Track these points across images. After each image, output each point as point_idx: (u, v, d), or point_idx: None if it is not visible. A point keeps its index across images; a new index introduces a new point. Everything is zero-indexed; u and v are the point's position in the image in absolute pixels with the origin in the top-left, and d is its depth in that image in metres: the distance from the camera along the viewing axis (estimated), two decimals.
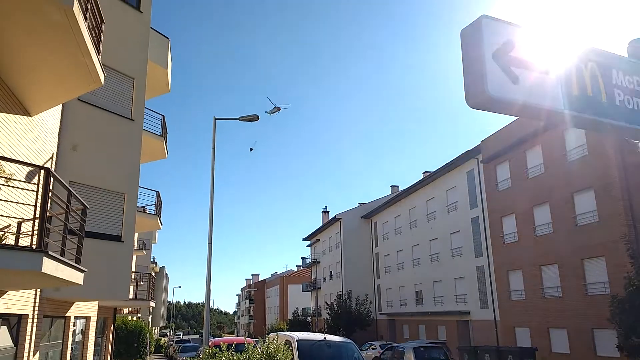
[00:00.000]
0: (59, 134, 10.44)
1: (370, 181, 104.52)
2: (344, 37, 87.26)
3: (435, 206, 36.78)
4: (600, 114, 2.10)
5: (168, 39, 16.51)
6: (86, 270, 7.24)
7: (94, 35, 7.10)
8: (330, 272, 53.97)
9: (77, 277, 6.81)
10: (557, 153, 24.67)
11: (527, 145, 26.85)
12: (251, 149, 46.13)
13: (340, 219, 50.46)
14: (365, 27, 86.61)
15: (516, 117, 26.89)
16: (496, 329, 28.82)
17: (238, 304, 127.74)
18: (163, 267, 62.17)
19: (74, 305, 11.48)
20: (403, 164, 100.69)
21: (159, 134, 17.00)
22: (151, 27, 13.92)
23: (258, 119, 16.49)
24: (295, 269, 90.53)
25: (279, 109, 41.64)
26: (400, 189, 46.99)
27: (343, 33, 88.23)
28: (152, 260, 47.49)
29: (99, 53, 7.31)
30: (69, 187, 6.81)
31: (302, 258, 63.13)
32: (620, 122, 2.14)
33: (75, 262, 7.04)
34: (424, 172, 43.70)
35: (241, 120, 16.27)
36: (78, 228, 7.72)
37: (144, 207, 21.04)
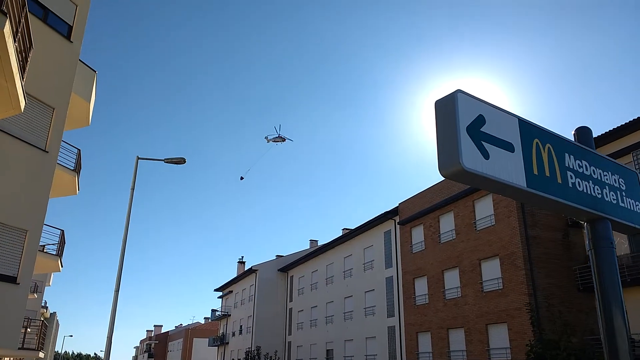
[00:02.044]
0: None
1: (290, 234, 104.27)
2: (263, 90, 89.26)
3: (352, 263, 37.19)
4: (557, 195, 2.21)
5: (95, 71, 15.85)
6: None
7: (20, 59, 6.61)
8: (241, 326, 51.94)
9: None
10: (467, 221, 26.19)
11: (441, 211, 28.30)
12: (242, 178, 42.95)
13: (256, 270, 49.34)
14: (286, 85, 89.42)
15: (434, 184, 28.14)
16: None
17: (135, 358, 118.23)
18: (54, 313, 56.51)
19: None
20: (323, 218, 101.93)
21: (72, 168, 15.93)
22: (79, 59, 13.31)
23: (184, 162, 16.00)
24: (203, 321, 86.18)
25: (283, 139, 39.43)
26: (320, 243, 47.16)
27: (262, 88, 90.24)
28: (42, 304, 43.04)
29: (23, 78, 6.80)
30: None
31: (212, 310, 60.36)
32: (573, 203, 2.27)
33: None
34: (343, 229, 44.36)
35: (166, 162, 15.69)
36: None
37: (43, 246, 19.28)
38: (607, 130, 20.75)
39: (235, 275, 56.27)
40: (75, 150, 16.24)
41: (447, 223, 27.87)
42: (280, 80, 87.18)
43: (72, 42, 12.62)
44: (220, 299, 62.06)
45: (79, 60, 13.42)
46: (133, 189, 15.89)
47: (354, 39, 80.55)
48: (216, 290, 61.67)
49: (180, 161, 15.99)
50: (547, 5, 70.79)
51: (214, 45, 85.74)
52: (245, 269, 52.65)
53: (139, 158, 16.20)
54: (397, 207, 32.48)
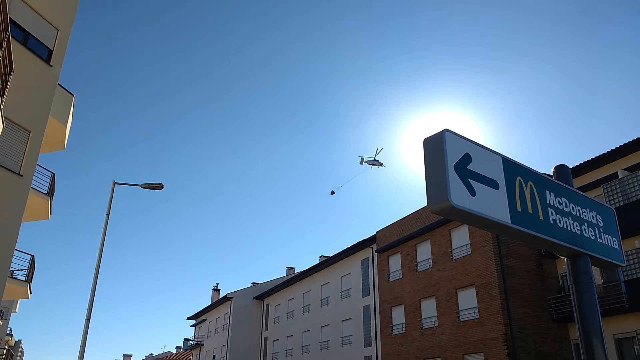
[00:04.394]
0: None
1: (267, 261, 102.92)
2: (242, 114, 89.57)
3: (329, 292, 36.90)
4: (539, 231, 2.30)
5: (73, 95, 15.71)
6: None
7: (0, 83, 6.55)
8: (214, 356, 50.59)
9: None
10: (444, 250, 26.40)
11: (418, 240, 28.49)
12: (332, 192, 41.13)
13: (231, 298, 48.44)
14: (264, 110, 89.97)
15: (412, 213, 28.38)
16: None
17: None
18: (19, 340, 54.20)
19: None
20: (301, 246, 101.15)
21: (46, 192, 15.60)
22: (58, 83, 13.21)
23: (162, 187, 15.83)
24: (174, 350, 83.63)
25: (380, 164, 38.31)
26: (297, 271, 46.75)
27: (244, 112, 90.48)
28: (8, 332, 41.28)
29: (2, 101, 6.72)
30: None
31: (185, 339, 58.74)
32: (554, 239, 2.35)
33: None
34: (320, 256, 44.15)
35: (143, 188, 15.50)
36: None
37: (12, 271, 18.65)
38: (578, 164, 21.42)
39: (210, 303, 55.11)
40: (50, 174, 15.93)
41: (424, 252, 28.03)
42: (259, 105, 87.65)
43: (51, 65, 12.54)
44: (193, 328, 60.54)
45: (57, 84, 13.31)
46: (108, 214, 15.60)
47: (335, 65, 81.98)
48: (189, 318, 60.20)
49: (158, 186, 15.81)
50: (515, 43, 73.63)
51: (192, 69, 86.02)
52: (220, 297, 51.66)
53: (115, 183, 15.97)
54: (374, 235, 32.56)
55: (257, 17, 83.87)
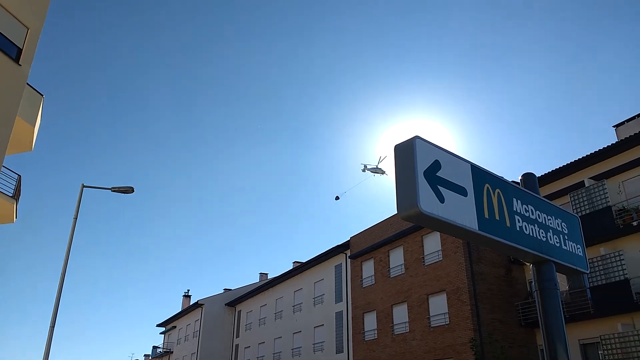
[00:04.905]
0: None
1: (240, 266, 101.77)
2: (213, 118, 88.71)
3: (302, 298, 36.77)
4: (505, 237, 2.34)
5: (42, 95, 15.32)
6: None
7: None
8: None
9: None
10: (416, 256, 26.66)
11: (391, 246, 28.69)
12: (337, 198, 40.30)
13: (202, 305, 47.75)
14: (235, 117, 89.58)
15: (385, 219, 28.58)
16: None
17: None
18: None
19: None
20: (275, 251, 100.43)
21: (11, 195, 15.13)
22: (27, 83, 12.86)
23: (132, 191, 15.53)
24: (142, 358, 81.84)
25: (383, 172, 37.61)
26: (270, 277, 46.45)
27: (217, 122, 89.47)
28: None
29: None
30: None
31: (154, 347, 57.58)
32: (520, 246, 2.40)
33: None
34: (294, 262, 43.99)
35: (113, 191, 15.18)
36: None
37: None
38: (547, 172, 21.98)
39: (180, 310, 54.22)
40: (16, 176, 15.46)
41: (396, 258, 28.24)
42: (230, 110, 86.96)
43: (20, 65, 12.19)
44: (163, 335, 59.44)
45: (27, 83, 12.96)
46: (76, 217, 15.21)
47: (304, 74, 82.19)
48: (159, 325, 59.08)
49: (128, 190, 15.52)
50: (485, 52, 75.32)
51: (166, 72, 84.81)
52: (191, 303, 50.89)
53: (84, 186, 15.60)
54: (348, 240, 32.65)
55: (236, 21, 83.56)
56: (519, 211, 2.49)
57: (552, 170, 21.77)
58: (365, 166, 40.11)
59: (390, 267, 28.40)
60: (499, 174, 2.55)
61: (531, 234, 2.49)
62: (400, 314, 26.84)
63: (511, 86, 75.29)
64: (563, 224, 2.76)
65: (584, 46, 66.83)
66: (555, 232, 2.68)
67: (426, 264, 25.86)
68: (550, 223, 2.67)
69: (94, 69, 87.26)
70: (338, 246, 33.06)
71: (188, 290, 58.10)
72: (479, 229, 2.22)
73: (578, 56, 67.65)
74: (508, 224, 2.38)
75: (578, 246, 2.81)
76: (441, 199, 2.11)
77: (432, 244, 25.88)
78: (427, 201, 2.04)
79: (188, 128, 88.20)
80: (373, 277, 29.63)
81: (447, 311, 23.84)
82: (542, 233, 2.57)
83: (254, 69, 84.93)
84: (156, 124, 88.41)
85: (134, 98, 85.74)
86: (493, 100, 77.40)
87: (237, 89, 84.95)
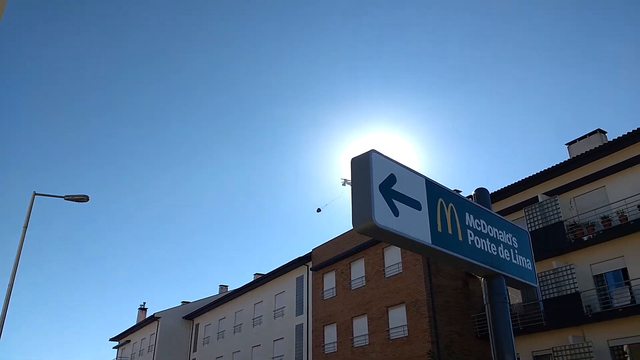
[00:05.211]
0: None
1: (199, 278, 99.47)
2: (173, 129, 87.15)
3: (263, 311, 36.32)
4: (457, 251, 2.38)
5: None
6: None
7: None
8: None
9: None
10: (377, 268, 26.85)
11: (352, 258, 28.81)
12: (319, 210, 39.63)
13: (158, 318, 46.39)
14: (196, 128, 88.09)
15: (347, 231, 28.72)
16: None
17: None
18: None
19: None
20: (236, 263, 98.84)
21: None
22: None
23: (87, 199, 15.01)
24: None
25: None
26: (230, 289, 45.70)
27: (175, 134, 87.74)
28: None
29: None
30: None
31: None
32: (472, 260, 2.44)
33: None
34: (255, 274, 43.46)
35: (67, 200, 14.63)
36: None
37: None
38: (503, 187, 22.67)
39: (135, 324, 52.53)
40: None
41: (358, 270, 28.36)
42: (190, 122, 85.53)
43: None
44: (116, 350, 57.37)
45: None
46: (26, 227, 14.55)
47: (268, 85, 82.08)
48: (112, 339, 57.01)
49: (83, 199, 14.99)
50: (448, 72, 77.51)
51: (124, 80, 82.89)
52: (147, 316, 49.41)
53: (35, 194, 14.97)
54: (310, 252, 32.57)
55: (200, 29, 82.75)
56: (471, 225, 2.54)
57: (508, 186, 22.47)
58: (345, 180, 41.21)
59: (352, 279, 28.49)
60: (460, 189, 2.60)
61: (482, 248, 2.54)
62: (360, 327, 26.90)
63: (472, 105, 77.65)
64: (513, 238, 2.84)
65: (537, 70, 69.78)
66: (506, 246, 2.74)
67: (387, 277, 26.08)
68: (501, 237, 2.74)
69: (50, 75, 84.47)
70: (300, 258, 32.92)
71: (144, 303, 56.43)
72: (432, 243, 2.25)
73: (534, 79, 70.54)
74: (460, 238, 2.43)
75: (527, 260, 2.89)
76: (396, 212, 2.13)
77: (393, 256, 26.15)
78: (382, 215, 2.06)
79: (149, 137, 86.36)
80: (334, 290, 29.63)
81: (406, 323, 24.06)
82: (493, 247, 2.63)
83: (220, 79, 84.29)
84: (115, 133, 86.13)
85: (92, 106, 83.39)
86: (455, 117, 79.51)
87: (201, 98, 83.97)
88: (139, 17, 78.63)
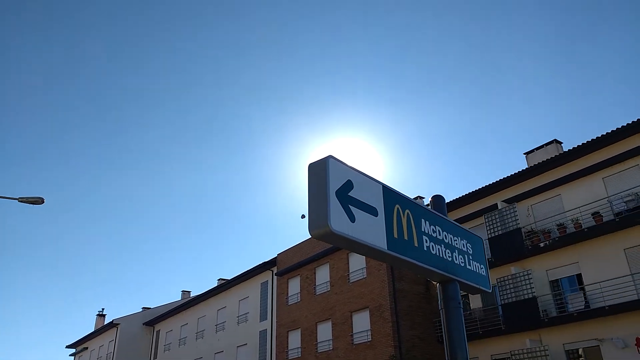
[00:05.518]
0: None
1: (161, 284, 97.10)
2: (135, 131, 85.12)
3: (226, 316, 35.85)
4: (413, 257, 2.41)
5: None
6: None
7: None
8: None
9: None
10: (341, 273, 26.96)
11: (318, 263, 28.83)
12: (303, 216, 38.78)
13: (118, 324, 45.10)
14: (158, 131, 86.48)
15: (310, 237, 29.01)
16: None
17: None
18: None
19: None
20: (199, 268, 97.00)
21: None
22: None
23: (42, 202, 14.48)
24: None
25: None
26: (193, 294, 44.92)
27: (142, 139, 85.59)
28: None
29: None
30: None
31: None
32: (427, 265, 2.48)
33: None
34: (219, 279, 42.88)
35: (21, 202, 14.07)
36: None
37: None
38: (464, 194, 23.20)
39: (93, 330, 50.92)
40: None
41: (322, 275, 28.39)
42: (151, 125, 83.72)
43: None
44: (73, 357, 55.41)
45: None
46: None
47: (232, 89, 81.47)
48: (68, 346, 55.07)
49: (37, 201, 14.46)
50: (408, 83, 79.01)
51: (81, 81, 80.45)
52: (105, 323, 47.98)
53: None
54: (275, 257, 32.40)
55: (163, 27, 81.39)
56: (427, 232, 2.58)
57: (469, 193, 23.01)
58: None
59: (317, 284, 28.49)
60: (424, 195, 2.64)
61: (437, 254, 2.59)
62: (325, 332, 26.91)
63: (435, 113, 79.23)
64: (468, 244, 2.91)
65: (499, 80, 71.89)
66: (461, 252, 2.80)
67: (351, 282, 26.21)
68: (456, 244, 2.80)
69: (12, 70, 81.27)
70: (265, 263, 32.70)
71: (103, 309, 54.72)
72: (387, 249, 2.28)
73: (496, 88, 72.62)
74: (416, 244, 2.46)
75: (481, 266, 2.97)
76: (352, 218, 2.14)
77: (358, 261, 26.32)
78: (338, 220, 2.07)
79: (108, 137, 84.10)
80: (299, 295, 29.55)
81: (369, 328, 24.22)
82: (448, 253, 2.68)
83: (180, 78, 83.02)
84: (71, 134, 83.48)
85: (47, 105, 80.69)
86: (419, 125, 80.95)
87: (163, 99, 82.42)
88: (94, 14, 76.71)
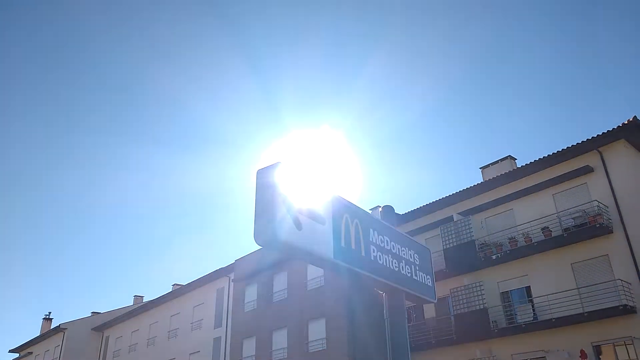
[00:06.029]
0: None
1: (112, 288, 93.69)
2: (87, 132, 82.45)
3: (179, 323, 35.03)
4: (359, 266, 2.43)
5: None
6: None
7: None
8: None
9: None
10: (299, 281, 26.87)
11: (276, 270, 28.63)
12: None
13: (65, 329, 43.29)
14: (111, 133, 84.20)
15: None
16: None
17: None
18: None
19: None
20: (153, 272, 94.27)
21: None
22: None
23: None
24: None
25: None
26: (145, 300, 43.68)
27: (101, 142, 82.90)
28: None
29: None
30: None
31: None
32: (373, 275, 2.50)
33: None
34: (173, 285, 41.87)
35: None
36: None
37: None
38: (422, 205, 23.62)
39: (38, 335, 48.70)
40: None
41: (280, 282, 28.21)
42: (105, 126, 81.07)
43: None
44: None
45: None
46: None
47: (190, 87, 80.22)
48: (12, 351, 52.49)
49: None
50: (367, 87, 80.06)
51: (32, 73, 77.28)
52: (52, 327, 46.01)
53: None
54: (233, 263, 31.97)
55: (116, 26, 79.41)
56: (374, 241, 2.61)
57: (427, 204, 23.44)
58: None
59: (274, 291, 28.28)
60: (384, 205, 2.67)
61: (384, 264, 2.62)
62: (280, 340, 26.70)
63: (396, 123, 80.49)
64: (415, 255, 2.95)
65: (462, 94, 73.86)
66: (408, 262, 2.84)
67: (309, 289, 26.16)
68: (404, 254, 2.83)
69: None
70: (222, 269, 32.22)
71: (49, 312, 52.39)
72: (334, 257, 2.28)
73: (454, 100, 74.52)
74: (363, 254, 2.48)
75: (428, 277, 3.02)
76: (299, 226, 2.14)
77: (315, 269, 26.30)
78: (284, 229, 2.05)
79: (68, 130, 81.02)
80: (256, 302, 29.24)
81: (325, 336, 24.20)
82: (395, 263, 2.71)
83: (151, 73, 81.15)
84: (20, 120, 79.95)
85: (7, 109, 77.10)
86: (382, 134, 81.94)
87: (115, 107, 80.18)
88: (36, 12, 74.16)
